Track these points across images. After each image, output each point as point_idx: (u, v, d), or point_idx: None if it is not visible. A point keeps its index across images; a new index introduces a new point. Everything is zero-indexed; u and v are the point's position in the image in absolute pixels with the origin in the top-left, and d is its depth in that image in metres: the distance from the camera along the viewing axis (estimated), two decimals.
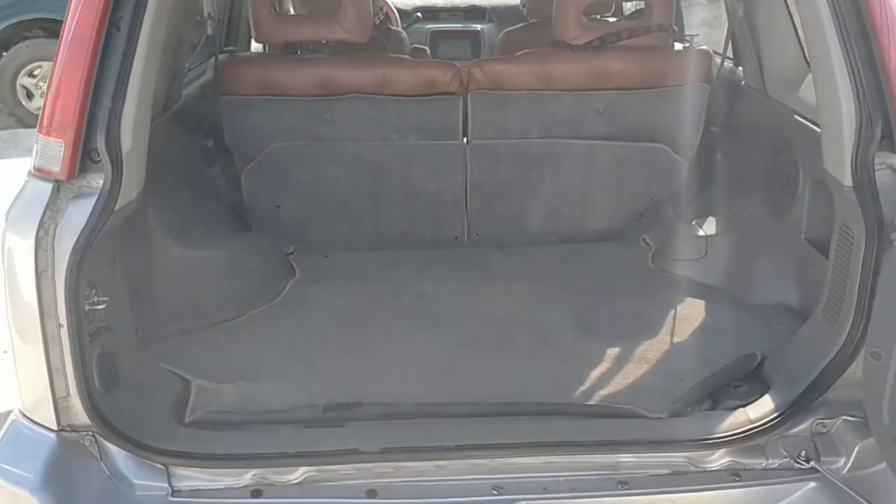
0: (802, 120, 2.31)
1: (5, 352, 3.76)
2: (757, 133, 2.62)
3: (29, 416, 1.88)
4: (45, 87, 7.49)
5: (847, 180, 1.83)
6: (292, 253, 2.88)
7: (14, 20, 8.12)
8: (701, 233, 2.79)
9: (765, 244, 2.54)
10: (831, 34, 1.80)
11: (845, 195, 1.86)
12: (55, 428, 1.85)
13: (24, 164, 1.91)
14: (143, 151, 1.90)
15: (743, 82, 2.86)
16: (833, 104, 1.84)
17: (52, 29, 8.11)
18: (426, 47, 4.30)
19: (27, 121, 8.15)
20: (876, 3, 1.77)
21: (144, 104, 1.86)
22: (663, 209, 2.99)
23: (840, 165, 1.85)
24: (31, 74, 8.23)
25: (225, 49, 3.38)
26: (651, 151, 2.91)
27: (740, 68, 2.95)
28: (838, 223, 1.96)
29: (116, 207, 1.79)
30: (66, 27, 1.78)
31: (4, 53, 8.13)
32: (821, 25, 1.82)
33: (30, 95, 8.27)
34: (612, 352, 2.25)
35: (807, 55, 2.41)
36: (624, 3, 3.39)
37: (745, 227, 2.65)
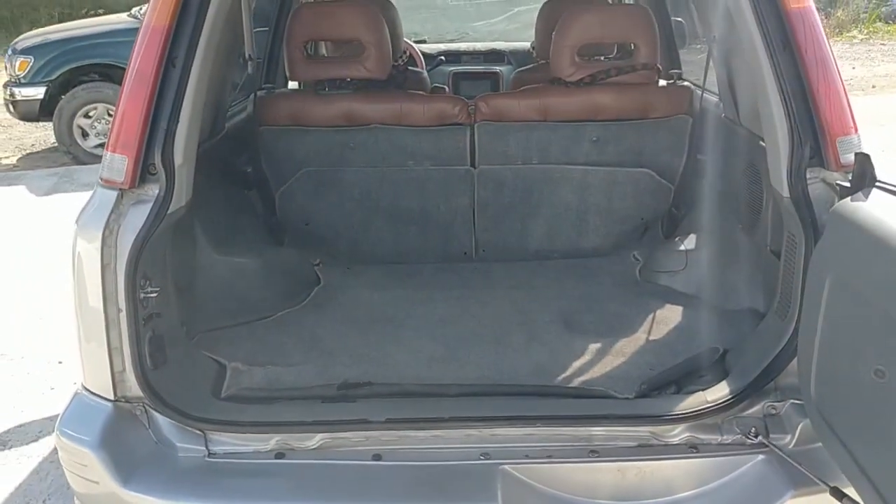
0: (764, 144, 2.61)
1: (60, 362, 4.17)
2: (732, 158, 2.91)
3: (90, 388, 2.18)
4: (99, 127, 8.06)
5: (786, 192, 2.13)
6: (318, 264, 3.22)
7: (72, 66, 8.61)
8: (682, 247, 3.07)
9: (737, 256, 2.80)
10: (767, 70, 2.12)
11: (786, 206, 2.16)
12: (112, 398, 2.14)
13: (80, 198, 2.26)
14: (191, 166, 2.26)
15: (723, 114, 3.16)
16: (771, 128, 2.16)
17: (106, 73, 8.60)
18: (445, 86, 4.68)
19: (82, 159, 8.60)
20: (805, 40, 2.09)
21: (194, 127, 2.23)
22: (652, 228, 3.30)
23: (780, 180, 2.15)
24: (86, 115, 8.68)
25: (263, 86, 3.80)
26: (639, 176, 3.23)
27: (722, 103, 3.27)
28: (786, 231, 2.25)
29: (168, 212, 2.14)
30: (132, 64, 2.15)
31: (63, 97, 8.69)
32: (759, 62, 2.14)
33: (85, 135, 8.73)
34: (594, 347, 2.53)
35: None
36: (614, 45, 3.73)
37: (721, 241, 2.92)
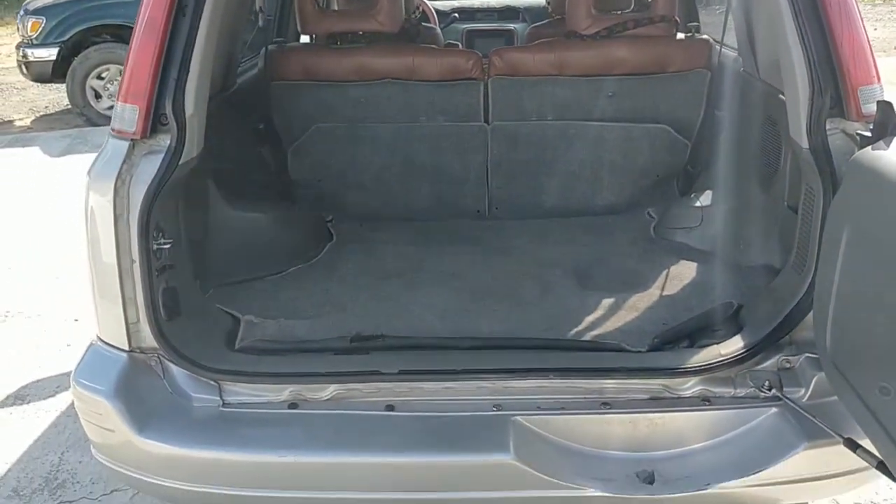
0: (784, 98, 2.56)
1: (76, 320, 4.22)
2: (750, 113, 2.86)
3: (105, 339, 2.18)
4: (112, 88, 8.05)
5: (805, 143, 2.09)
6: (331, 220, 3.22)
7: (84, 26, 8.60)
8: (698, 204, 3.04)
9: (753, 213, 2.77)
10: (788, 17, 2.06)
11: (804, 157, 2.12)
12: (126, 349, 2.14)
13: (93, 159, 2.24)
14: (202, 116, 2.24)
15: (742, 69, 3.11)
16: (791, 78, 2.11)
17: (118, 34, 8.56)
18: (458, 44, 4.63)
19: (95, 120, 8.60)
20: None
21: (204, 77, 2.21)
22: (667, 185, 3.26)
23: (799, 130, 2.11)
24: (99, 77, 8.68)
25: (275, 40, 3.76)
26: (655, 132, 3.19)
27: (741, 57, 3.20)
28: (804, 183, 2.21)
29: (180, 162, 2.13)
30: (141, 12, 2.13)
31: (75, 58, 8.66)
32: (780, 10, 2.09)
33: (98, 96, 8.73)
34: (607, 301, 2.52)
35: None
36: None
37: (737, 197, 2.88)
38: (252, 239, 2.81)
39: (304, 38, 4.01)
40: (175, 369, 2.17)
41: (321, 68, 3.23)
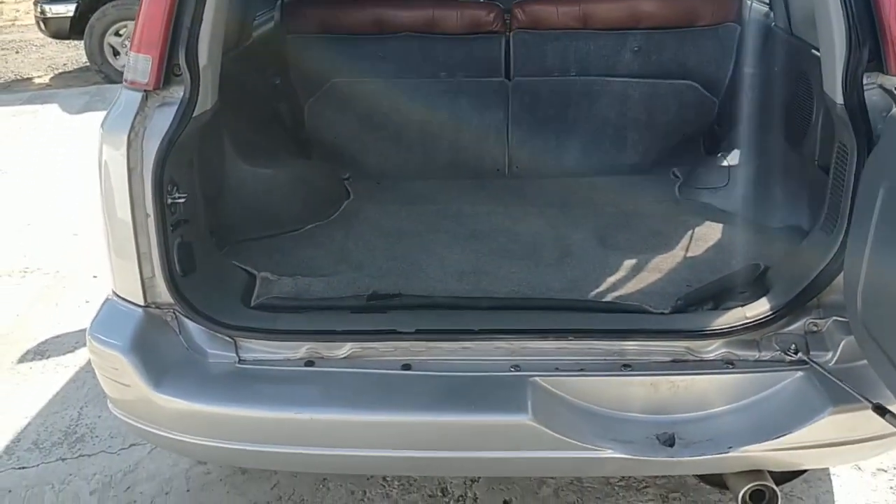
0: (817, 53, 2.46)
1: (95, 276, 4.22)
2: (781, 69, 2.77)
3: (120, 294, 2.17)
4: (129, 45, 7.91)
5: (839, 98, 2.00)
6: (348, 178, 3.18)
7: None
8: (725, 163, 2.96)
9: (782, 172, 2.70)
10: None
11: (838, 113, 2.03)
12: (142, 304, 2.13)
13: None
14: (216, 67, 2.19)
15: (773, 24, 3.00)
16: (827, 29, 2.01)
17: None
18: None
19: (113, 77, 8.54)
20: None
21: (218, 27, 2.15)
22: (693, 144, 3.17)
23: (834, 85, 2.02)
24: (117, 34, 8.61)
25: None
26: (682, 89, 3.10)
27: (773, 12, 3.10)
28: (836, 141, 2.13)
29: (194, 114, 2.09)
30: None
31: (93, 14, 8.59)
32: None
33: (116, 53, 8.67)
34: (629, 263, 2.47)
35: None
36: None
37: (766, 157, 2.81)
38: (268, 196, 2.77)
39: None
40: (191, 325, 2.16)
41: (338, 21, 3.16)
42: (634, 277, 2.41)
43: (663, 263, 2.47)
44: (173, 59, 2.06)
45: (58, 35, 8.91)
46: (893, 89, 1.94)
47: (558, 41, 3.10)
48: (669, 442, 1.99)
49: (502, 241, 2.67)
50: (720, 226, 2.71)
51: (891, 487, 2.67)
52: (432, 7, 3.13)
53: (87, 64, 9.11)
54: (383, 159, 3.29)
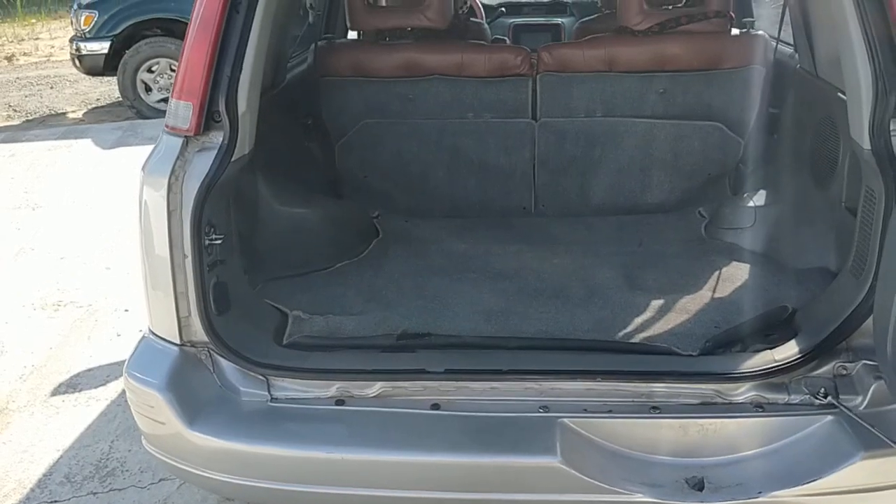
0: (843, 97, 2.49)
1: (126, 310, 4.29)
2: (807, 112, 2.79)
3: (157, 333, 2.21)
4: (162, 81, 8.17)
5: (866, 144, 2.02)
6: (377, 217, 3.22)
7: (135, 20, 8.70)
8: (751, 204, 2.97)
9: (809, 214, 2.70)
10: (851, 12, 2.00)
11: (865, 158, 2.05)
12: (178, 342, 2.17)
13: (144, 151, 2.27)
14: (254, 113, 2.26)
15: (798, 65, 3.03)
16: (853, 76, 2.04)
17: (168, 28, 8.69)
18: (505, 38, 4.60)
19: (146, 113, 8.73)
20: None
21: (257, 74, 2.22)
22: (719, 184, 3.19)
23: (861, 131, 2.04)
24: (149, 70, 8.80)
25: (324, 36, 3.78)
26: (708, 130, 3.12)
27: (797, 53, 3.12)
28: (864, 185, 2.14)
29: (232, 159, 2.15)
30: (195, 10, 2.14)
31: (126, 51, 8.80)
32: (841, 2, 2.02)
33: (148, 89, 8.85)
34: (656, 303, 2.48)
35: None
36: None
37: (793, 198, 2.81)
38: (299, 234, 2.82)
39: (353, 34, 4.02)
40: (224, 363, 2.19)
41: (369, 64, 3.23)
42: (662, 318, 2.42)
43: (691, 304, 2.48)
44: (213, 106, 2.12)
45: (92, 71, 9.12)
46: None
47: (584, 83, 3.15)
48: (699, 486, 1.98)
49: (530, 281, 2.69)
50: (747, 266, 2.71)
51: None
52: (461, 52, 3.20)
53: (120, 99, 9.31)
54: (412, 198, 3.34)
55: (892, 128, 1.99)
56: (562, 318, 2.44)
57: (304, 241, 2.83)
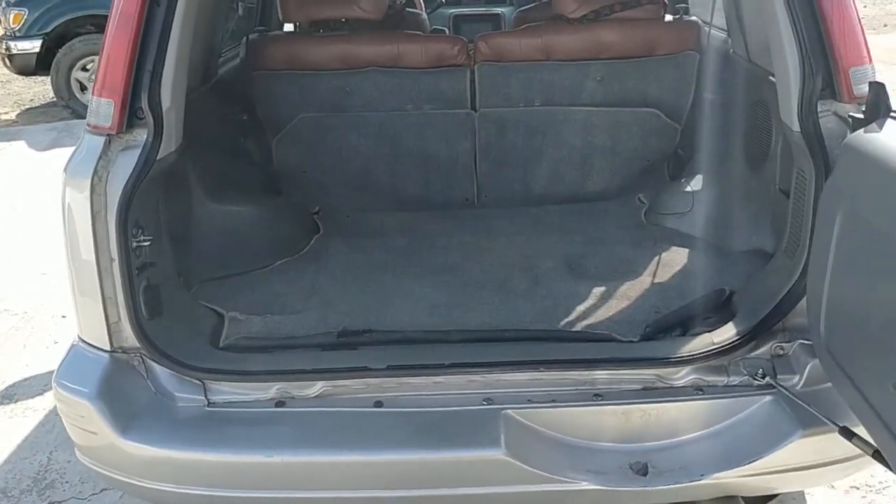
0: (774, 80, 2.52)
1: (63, 317, 4.16)
2: (740, 95, 2.82)
3: (86, 340, 2.14)
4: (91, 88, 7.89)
5: (796, 126, 2.05)
6: (317, 212, 3.17)
7: (68, 17, 8.46)
8: (689, 189, 3.00)
9: (745, 197, 2.74)
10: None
11: (796, 140, 2.08)
12: (108, 349, 2.10)
13: None
14: (180, 109, 2.19)
15: (731, 50, 3.06)
16: (782, 60, 2.07)
17: (102, 25, 8.40)
18: (445, 29, 4.56)
19: (81, 112, 8.43)
20: None
21: (181, 69, 2.16)
22: (658, 170, 3.22)
23: (790, 113, 2.07)
24: (84, 69, 8.56)
25: (256, 29, 3.69)
26: (645, 116, 3.14)
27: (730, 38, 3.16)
28: (795, 167, 2.18)
29: (158, 157, 2.08)
30: (115, 4, 2.07)
31: (59, 50, 8.54)
32: None
33: (83, 88, 8.59)
34: (598, 290, 2.49)
35: None
36: None
37: (729, 182, 2.85)
38: (236, 233, 2.76)
39: (288, 27, 3.94)
40: (158, 369, 2.13)
41: (304, 57, 3.17)
42: (604, 305, 2.42)
43: (631, 290, 2.49)
44: (136, 103, 2.06)
45: (24, 71, 8.85)
46: (847, 116, 1.99)
47: (522, 73, 3.14)
48: (643, 471, 1.99)
49: (473, 273, 2.68)
50: (686, 251, 2.74)
51: None
52: (397, 42, 3.15)
53: (54, 99, 9.04)
54: (352, 193, 3.29)
55: (819, 109, 2.02)
56: (505, 309, 2.43)
57: (241, 240, 2.77)
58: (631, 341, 2.22)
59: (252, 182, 3.15)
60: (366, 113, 3.21)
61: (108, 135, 2.06)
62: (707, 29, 3.17)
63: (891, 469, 1.65)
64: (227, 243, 2.72)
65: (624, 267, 2.65)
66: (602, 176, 3.23)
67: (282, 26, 4.00)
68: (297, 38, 3.55)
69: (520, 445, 1.97)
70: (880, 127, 1.76)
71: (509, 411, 2.02)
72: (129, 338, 2.10)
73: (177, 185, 2.43)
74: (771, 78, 2.55)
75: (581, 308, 2.41)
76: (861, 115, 1.86)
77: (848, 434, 1.85)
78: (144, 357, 2.12)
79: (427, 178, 3.28)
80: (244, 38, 3.35)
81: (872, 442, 1.74)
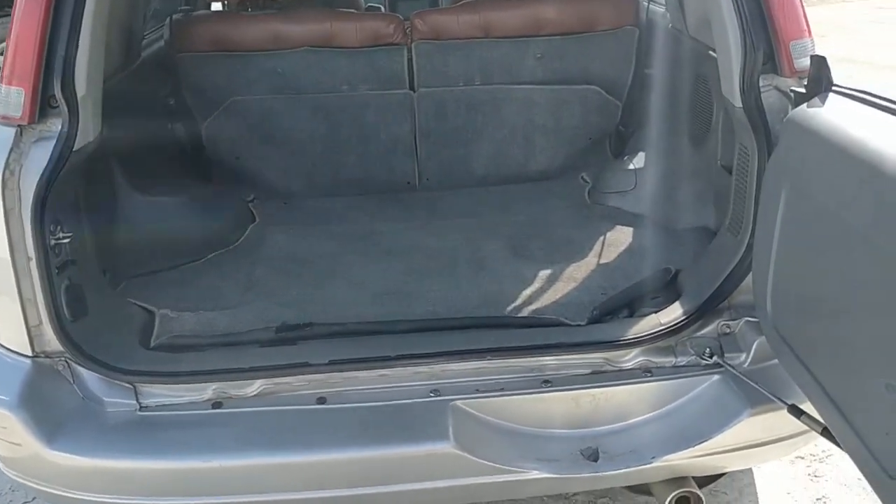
0: (713, 55, 2.49)
1: None
2: (680, 71, 2.80)
3: (6, 345, 2.02)
4: None
5: (738, 102, 2.02)
6: (252, 200, 3.05)
7: None
8: (631, 166, 2.97)
9: (687, 174, 2.72)
10: None
11: (738, 116, 2.05)
12: (30, 354, 1.99)
13: None
14: (97, 96, 2.06)
15: (670, 25, 3.03)
16: (722, 34, 2.04)
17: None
18: (381, 6, 4.45)
19: None
20: None
21: (97, 53, 2.02)
22: (600, 148, 3.18)
23: (732, 89, 2.04)
24: None
25: (181, 9, 3.52)
26: (586, 93, 3.10)
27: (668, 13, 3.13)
28: (737, 143, 2.15)
29: (75, 148, 1.96)
30: None
31: None
32: None
33: None
34: (543, 273, 2.45)
35: None
36: None
37: (670, 159, 2.83)
38: (165, 225, 2.63)
39: (216, 6, 3.77)
40: (85, 373, 2.03)
41: (232, 38, 3.03)
42: (550, 288, 2.38)
43: (577, 272, 2.46)
44: (48, 91, 1.93)
45: None
46: (789, 91, 1.97)
47: (460, 51, 3.06)
48: (594, 456, 1.97)
49: (417, 258, 2.61)
50: (630, 230, 2.71)
51: (808, 474, 2.74)
52: (330, 21, 3.04)
53: None
54: (288, 179, 3.18)
55: (761, 84, 2.00)
56: (451, 295, 2.38)
57: (171, 232, 2.64)
58: (578, 325, 2.18)
59: (182, 171, 3.01)
60: (300, 95, 3.09)
61: (19, 126, 1.94)
62: (646, 3, 3.14)
63: (839, 446, 1.65)
64: (156, 236, 2.59)
65: (569, 248, 2.61)
66: (544, 155, 3.19)
67: (208, 5, 3.83)
68: (225, 17, 3.40)
69: (468, 437, 1.92)
70: (823, 101, 1.74)
71: (457, 402, 1.98)
72: (52, 341, 1.99)
73: (98, 177, 2.29)
74: (711, 52, 2.53)
75: (527, 292, 2.36)
76: (803, 90, 1.84)
77: (797, 412, 1.84)
78: (69, 361, 2.01)
79: (366, 162, 3.19)
80: (168, 19, 3.18)
81: (820, 419, 1.74)
